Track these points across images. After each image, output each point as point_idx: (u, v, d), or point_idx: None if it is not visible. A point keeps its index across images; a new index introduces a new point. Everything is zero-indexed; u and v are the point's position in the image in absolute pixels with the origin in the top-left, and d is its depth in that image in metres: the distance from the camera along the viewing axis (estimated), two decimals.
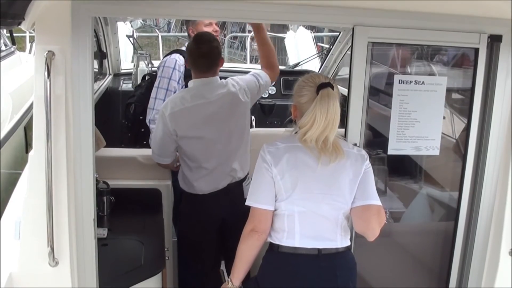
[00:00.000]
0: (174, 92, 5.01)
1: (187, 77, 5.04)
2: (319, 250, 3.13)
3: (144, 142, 5.20)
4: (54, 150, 2.79)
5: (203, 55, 4.20)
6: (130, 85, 6.74)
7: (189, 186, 4.31)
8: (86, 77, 2.97)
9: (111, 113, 6.44)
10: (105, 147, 4.22)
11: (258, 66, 9.15)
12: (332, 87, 3.07)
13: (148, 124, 5.06)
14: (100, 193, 4.02)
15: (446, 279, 4.15)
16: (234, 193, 4.30)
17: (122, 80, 7.05)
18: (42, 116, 2.75)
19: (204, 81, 4.24)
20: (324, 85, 3.05)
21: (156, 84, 5.11)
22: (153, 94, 5.07)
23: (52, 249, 2.83)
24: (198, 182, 4.28)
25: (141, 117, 5.23)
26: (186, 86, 5.02)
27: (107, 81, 6.80)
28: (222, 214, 4.34)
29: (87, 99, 2.99)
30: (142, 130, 5.22)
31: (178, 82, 5.08)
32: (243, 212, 3.73)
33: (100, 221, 3.85)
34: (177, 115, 4.15)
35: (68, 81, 2.87)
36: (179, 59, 5.12)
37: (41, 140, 2.77)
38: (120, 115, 6.32)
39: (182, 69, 5.11)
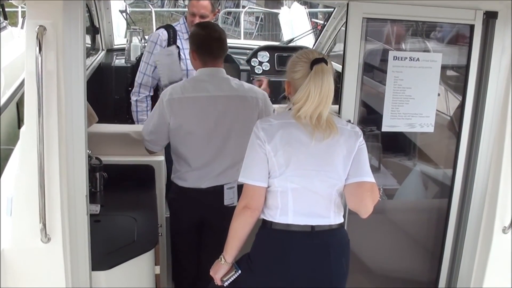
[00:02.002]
0: (155, 67, 5.14)
1: None
2: (312, 227, 3.13)
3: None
4: (46, 126, 2.77)
5: (215, 39, 4.02)
6: (123, 61, 6.74)
7: (175, 175, 4.22)
8: (78, 52, 2.94)
9: (104, 88, 6.42)
10: (97, 123, 4.20)
11: (252, 41, 9.11)
12: (326, 63, 3.04)
13: (131, 95, 5.28)
14: (92, 169, 4.00)
15: (440, 256, 4.17)
16: (216, 195, 4.09)
17: (115, 56, 7.03)
18: (34, 92, 2.72)
19: (211, 71, 4.03)
20: (318, 61, 3.03)
21: (142, 58, 5.30)
22: (139, 68, 5.27)
23: (44, 225, 2.82)
24: (182, 174, 4.16)
25: (129, 89, 5.39)
26: None
27: (100, 56, 6.78)
28: (201, 213, 4.18)
29: (79, 74, 2.96)
30: (130, 100, 5.35)
31: None
32: (223, 214, 3.71)
33: (92, 197, 3.84)
34: (174, 103, 3.98)
35: (60, 57, 2.84)
36: (162, 34, 5.20)
37: (33, 116, 2.75)
38: (113, 91, 6.31)
39: (165, 44, 5.18)
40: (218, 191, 4.07)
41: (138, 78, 5.22)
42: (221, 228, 3.53)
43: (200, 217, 4.20)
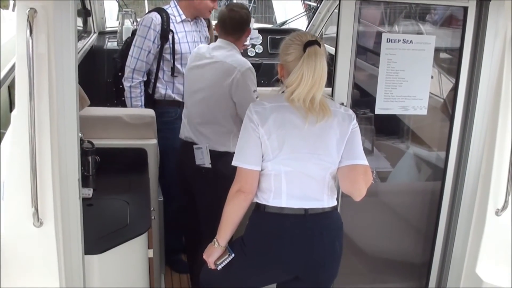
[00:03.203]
0: (149, 52, 5.05)
1: (163, 37, 5.06)
2: (305, 210, 3.13)
3: (123, 99, 5.22)
4: (38, 109, 2.74)
5: (232, 16, 4.23)
6: (115, 44, 6.67)
7: None
8: (70, 35, 2.91)
9: (96, 71, 6.38)
10: (89, 106, 4.18)
11: None
12: (319, 45, 3.03)
13: (123, 81, 5.13)
14: (85, 153, 3.97)
15: (433, 239, 4.18)
16: (190, 152, 4.28)
17: (107, 39, 6.97)
18: (25, 75, 2.69)
19: (219, 41, 4.31)
20: (311, 43, 3.02)
21: (133, 42, 5.13)
22: (130, 52, 5.12)
23: (37, 209, 2.80)
24: None
25: (119, 73, 5.26)
26: (162, 46, 5.06)
27: (91, 39, 6.72)
28: (184, 168, 4.43)
29: (71, 57, 2.93)
30: (120, 86, 5.22)
31: (153, 42, 5.05)
32: (199, 174, 4.13)
33: (85, 181, 3.81)
34: (190, 56, 4.54)
35: (51, 39, 2.81)
36: (156, 18, 5.07)
37: (24, 100, 2.72)
38: (105, 74, 6.27)
39: (158, 28, 5.05)
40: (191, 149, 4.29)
41: (131, 64, 5.06)
42: (201, 189, 4.10)
43: (185, 173, 4.44)
